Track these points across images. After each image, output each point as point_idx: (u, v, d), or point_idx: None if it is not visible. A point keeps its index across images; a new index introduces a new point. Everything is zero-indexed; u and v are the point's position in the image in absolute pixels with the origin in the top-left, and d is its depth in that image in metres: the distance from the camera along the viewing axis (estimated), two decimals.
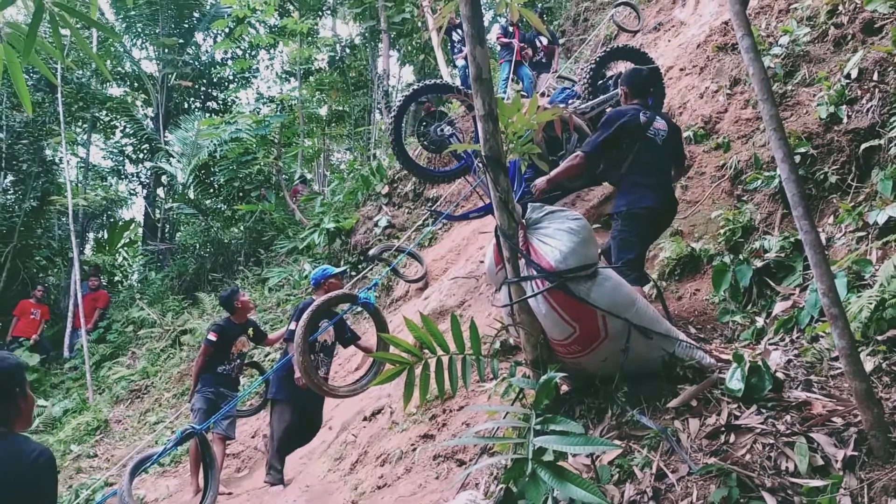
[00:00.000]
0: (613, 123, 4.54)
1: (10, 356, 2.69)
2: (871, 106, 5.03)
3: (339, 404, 7.21)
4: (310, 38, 17.01)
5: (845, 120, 5.16)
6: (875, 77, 5.14)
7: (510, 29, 12.79)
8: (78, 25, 4.32)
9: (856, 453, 2.38)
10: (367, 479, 5.07)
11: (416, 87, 6.25)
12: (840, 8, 6.00)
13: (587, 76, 6.42)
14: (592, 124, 6.25)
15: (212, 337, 6.74)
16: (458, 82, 14.29)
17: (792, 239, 4.73)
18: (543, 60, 12.27)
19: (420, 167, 6.65)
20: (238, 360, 6.90)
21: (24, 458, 2.46)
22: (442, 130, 6.16)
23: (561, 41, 15.19)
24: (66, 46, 15.14)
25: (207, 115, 19.88)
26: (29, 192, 15.73)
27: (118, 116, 19.79)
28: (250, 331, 7.04)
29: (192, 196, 16.84)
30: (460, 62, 12.91)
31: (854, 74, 5.27)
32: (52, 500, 2.54)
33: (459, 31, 12.51)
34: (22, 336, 13.35)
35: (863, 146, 4.92)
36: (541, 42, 12.75)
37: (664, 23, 10.90)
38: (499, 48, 12.88)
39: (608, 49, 6.82)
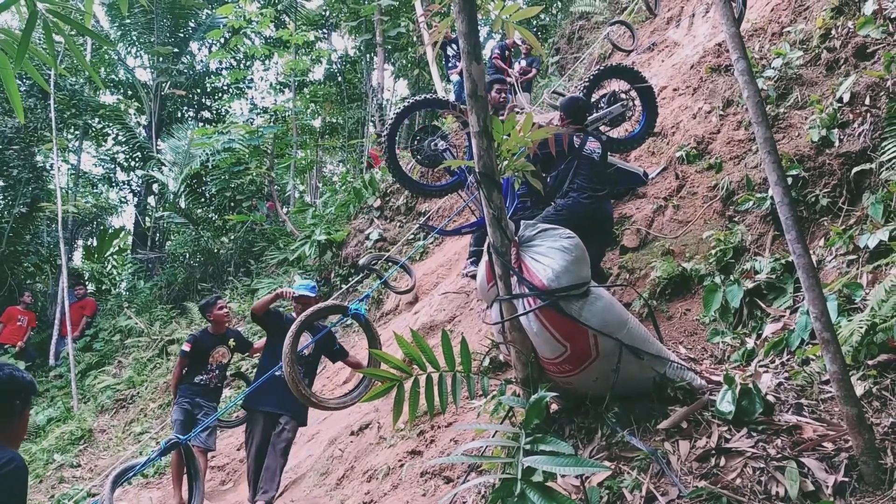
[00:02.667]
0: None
1: (25, 373, 2.69)
2: (863, 130, 5.06)
3: (326, 418, 7.16)
4: (306, 51, 17.02)
5: (837, 143, 5.19)
6: (867, 101, 5.17)
7: (506, 53, 12.88)
8: (72, 33, 4.30)
9: (846, 479, 2.36)
10: (354, 494, 5.03)
11: (410, 101, 6.23)
12: (833, 32, 6.05)
13: (581, 94, 6.44)
14: None
15: (185, 347, 6.66)
16: (452, 97, 14.32)
17: (783, 261, 4.74)
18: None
19: (414, 181, 6.62)
20: (217, 371, 6.76)
21: None
22: (436, 145, 6.14)
23: (555, 59, 15.29)
24: (60, 53, 15.10)
25: (201, 124, 19.85)
26: (19, 197, 15.61)
27: (110, 124, 19.73)
28: (231, 342, 6.90)
29: (183, 205, 16.76)
30: (455, 77, 12.96)
31: (846, 98, 5.30)
32: None
33: (455, 45, 12.57)
34: (7, 343, 13.17)
35: (854, 170, 4.94)
36: (520, 64, 12.86)
37: (658, 43, 10.97)
38: (490, 69, 12.93)
39: (602, 68, 6.84)
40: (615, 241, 6.27)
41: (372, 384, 5.31)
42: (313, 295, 6.29)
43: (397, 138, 6.20)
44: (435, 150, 6.12)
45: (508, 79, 9.13)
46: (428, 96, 6.36)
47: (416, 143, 6.26)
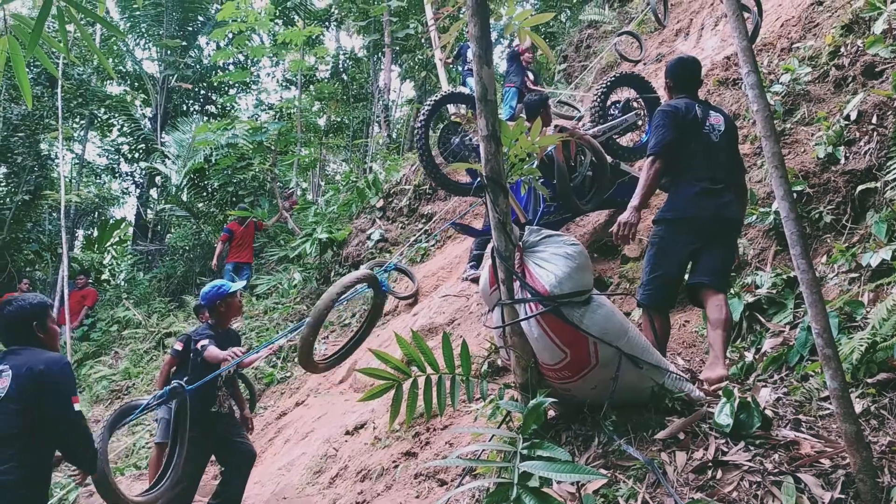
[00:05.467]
0: (669, 114, 4.22)
1: (32, 298, 3.53)
2: (869, 148, 5.06)
3: (321, 416, 7.16)
4: (312, 48, 17.02)
5: (842, 161, 5.19)
6: (874, 120, 5.17)
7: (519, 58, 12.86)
8: (83, 21, 4.31)
9: (843, 496, 2.36)
10: (346, 494, 5.02)
11: (443, 93, 6.11)
12: (842, 50, 6.05)
13: (597, 100, 6.34)
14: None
15: (177, 346, 6.21)
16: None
17: (784, 276, 4.74)
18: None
19: (447, 178, 6.27)
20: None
21: (37, 362, 3.21)
22: (469, 140, 6.01)
23: (562, 67, 15.30)
24: (70, 42, 15.12)
25: (206, 118, 19.88)
26: (22, 185, 15.66)
27: (116, 115, 19.77)
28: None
29: (185, 198, 16.78)
30: (471, 81, 12.91)
31: (853, 116, 5.30)
32: (65, 398, 3.22)
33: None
34: None
35: (859, 188, 4.94)
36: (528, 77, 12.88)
37: (666, 54, 10.98)
38: (506, 67, 12.87)
39: (617, 74, 6.77)
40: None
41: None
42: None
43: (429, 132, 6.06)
44: (463, 147, 6.02)
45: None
46: (460, 90, 6.31)
47: (442, 138, 6.16)
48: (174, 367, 6.25)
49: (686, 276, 4.31)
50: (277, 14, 17.30)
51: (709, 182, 4.11)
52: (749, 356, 4.32)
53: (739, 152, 4.57)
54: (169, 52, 20.02)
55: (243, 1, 13.49)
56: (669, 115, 4.25)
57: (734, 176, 4.33)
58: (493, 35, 20.53)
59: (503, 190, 3.16)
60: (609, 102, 6.50)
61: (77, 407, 3.29)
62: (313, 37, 16.68)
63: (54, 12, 3.30)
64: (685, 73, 4.47)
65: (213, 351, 4.99)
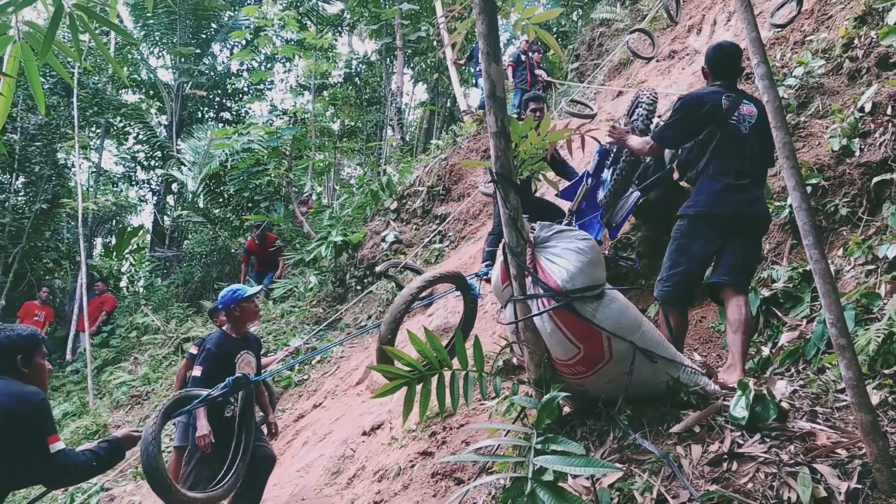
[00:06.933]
0: (686, 107, 4.17)
1: (23, 330, 3.35)
2: (884, 140, 5.02)
3: (338, 418, 7.18)
4: (327, 54, 17.12)
5: (857, 153, 5.15)
6: (889, 111, 5.13)
7: (522, 58, 12.95)
8: (97, 30, 4.36)
9: (859, 486, 2.34)
10: (364, 494, 5.04)
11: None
12: (855, 41, 6.01)
13: (645, 113, 5.89)
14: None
15: (193, 350, 6.28)
16: (476, 102, 14.37)
17: (800, 269, 4.71)
18: (541, 93, 12.23)
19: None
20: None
21: (9, 395, 3.03)
22: None
23: (575, 65, 15.31)
24: (84, 51, 15.28)
25: (220, 125, 20.02)
26: (40, 194, 15.83)
27: (132, 123, 19.97)
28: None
29: (201, 205, 16.91)
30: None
31: (868, 108, 5.25)
32: (38, 436, 3.03)
33: None
34: None
35: (874, 179, 4.90)
36: (542, 73, 12.93)
37: (679, 51, 10.94)
38: (510, 76, 13.00)
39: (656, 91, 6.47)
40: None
41: None
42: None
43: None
44: None
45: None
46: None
47: None
48: (190, 371, 6.09)
49: (708, 273, 4.27)
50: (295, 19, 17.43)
51: (735, 176, 4.02)
52: (766, 350, 4.30)
53: (772, 148, 4.49)
54: (183, 59, 20.18)
55: (266, 3, 13.61)
56: (687, 106, 4.19)
57: (763, 170, 4.25)
58: (506, 35, 20.55)
59: (513, 186, 3.16)
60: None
61: (57, 446, 3.09)
62: (330, 43, 16.83)
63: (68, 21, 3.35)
64: (723, 60, 4.29)
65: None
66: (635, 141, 4.53)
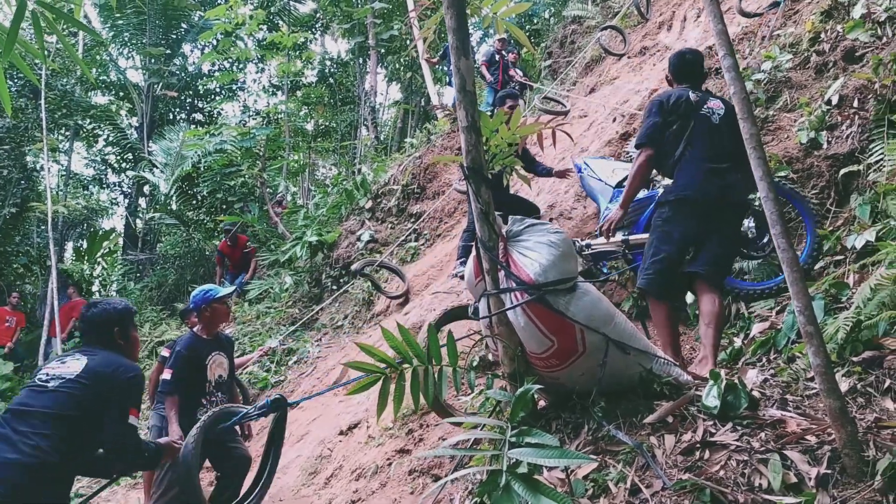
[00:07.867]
0: (657, 102, 4.28)
1: (118, 303, 3.62)
2: (851, 132, 5.09)
3: (316, 418, 7.15)
4: (298, 53, 17.02)
5: (825, 145, 5.22)
6: (855, 104, 5.20)
7: (496, 57, 12.97)
8: (63, 30, 4.30)
9: (829, 471, 2.37)
10: (342, 493, 5.02)
11: None
12: (822, 36, 6.09)
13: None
14: None
15: (164, 353, 6.14)
16: (444, 100, 14.36)
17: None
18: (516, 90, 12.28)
19: None
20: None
21: (108, 364, 3.26)
22: None
23: (548, 63, 15.36)
24: (52, 52, 15.07)
25: (193, 126, 19.83)
26: (9, 198, 15.55)
27: (102, 125, 19.71)
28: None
29: (174, 207, 16.73)
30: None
31: (835, 101, 5.33)
32: (123, 406, 3.22)
33: None
34: None
35: (842, 171, 4.97)
36: (517, 73, 12.95)
37: (650, 47, 11.02)
38: (485, 75, 13.03)
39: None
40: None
41: None
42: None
43: None
44: None
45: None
46: None
47: None
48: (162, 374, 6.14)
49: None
50: (263, 20, 17.29)
51: (713, 160, 4.08)
52: (738, 341, 4.34)
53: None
54: (153, 60, 19.98)
55: (233, 3, 13.46)
56: (656, 103, 4.29)
57: (740, 154, 4.28)
58: (479, 34, 20.57)
59: (485, 180, 3.17)
60: None
61: (132, 420, 3.26)
62: (299, 42, 16.72)
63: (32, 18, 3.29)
64: (685, 66, 4.45)
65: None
66: (630, 179, 4.35)
